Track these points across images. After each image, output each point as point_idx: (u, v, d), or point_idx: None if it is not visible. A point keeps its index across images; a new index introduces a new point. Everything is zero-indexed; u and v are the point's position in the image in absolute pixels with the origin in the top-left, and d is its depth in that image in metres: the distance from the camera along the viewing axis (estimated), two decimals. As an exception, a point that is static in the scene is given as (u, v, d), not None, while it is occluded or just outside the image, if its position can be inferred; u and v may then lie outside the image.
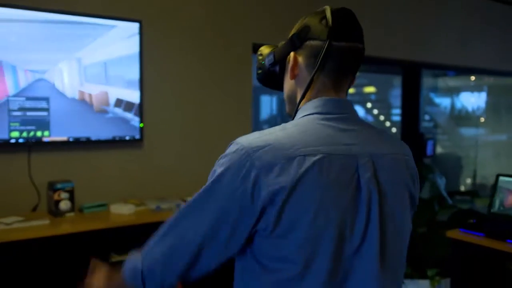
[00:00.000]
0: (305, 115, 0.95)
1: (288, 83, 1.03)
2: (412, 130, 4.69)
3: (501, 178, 2.54)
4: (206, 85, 3.22)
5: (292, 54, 0.99)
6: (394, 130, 5.26)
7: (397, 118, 5.21)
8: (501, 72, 5.23)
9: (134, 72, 2.85)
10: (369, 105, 5.86)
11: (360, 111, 6.18)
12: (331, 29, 0.93)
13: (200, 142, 3.21)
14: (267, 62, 1.07)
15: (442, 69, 5.04)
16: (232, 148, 0.89)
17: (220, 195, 0.86)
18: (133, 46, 2.82)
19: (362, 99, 5.95)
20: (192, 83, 3.16)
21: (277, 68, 1.05)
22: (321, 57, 0.93)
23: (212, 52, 3.22)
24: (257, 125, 4.51)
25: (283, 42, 1.03)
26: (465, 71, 5.25)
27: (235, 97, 3.36)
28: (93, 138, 2.75)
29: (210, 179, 0.88)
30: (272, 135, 0.89)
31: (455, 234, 2.51)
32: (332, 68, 0.95)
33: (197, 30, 3.14)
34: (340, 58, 0.95)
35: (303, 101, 0.98)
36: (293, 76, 1.00)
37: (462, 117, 6.10)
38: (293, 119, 0.99)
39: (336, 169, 0.87)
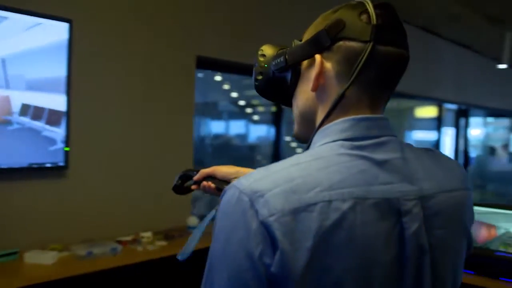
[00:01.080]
0: (326, 143, 0.71)
1: (305, 96, 0.78)
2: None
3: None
4: (144, 100, 2.74)
5: (318, 57, 0.73)
6: (299, 151, 5.12)
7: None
8: (425, 97, 5.42)
9: (41, 71, 2.23)
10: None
11: (271, 131, 5.96)
12: (376, 28, 0.70)
13: (138, 166, 2.70)
14: (273, 66, 0.83)
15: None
16: (229, 195, 0.66)
17: (228, 270, 0.63)
18: (38, 38, 2.20)
19: (271, 118, 5.78)
20: (127, 99, 2.66)
21: (289, 75, 0.80)
22: (361, 64, 0.70)
23: (151, 64, 2.76)
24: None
25: (297, 41, 0.79)
26: (395, 95, 5.35)
27: (176, 114, 2.92)
28: (3, 165, 2.12)
29: (213, 247, 0.67)
30: (282, 173, 0.65)
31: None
32: (371, 79, 0.72)
33: (134, 38, 2.66)
34: (384, 68, 0.72)
35: (326, 121, 0.74)
36: (316, 87, 0.75)
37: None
38: (308, 146, 0.76)
39: (372, 220, 0.65)
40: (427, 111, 7.08)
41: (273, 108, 6.09)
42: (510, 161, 8.27)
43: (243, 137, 5.94)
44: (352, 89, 0.72)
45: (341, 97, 0.72)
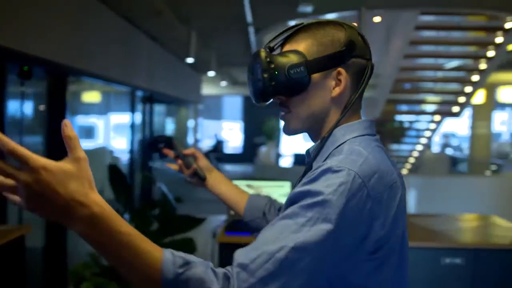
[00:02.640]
0: (358, 136, 0.94)
1: (322, 100, 0.95)
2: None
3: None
4: None
5: (343, 71, 0.93)
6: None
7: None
8: (123, 82, 5.65)
9: None
10: None
11: None
12: (369, 48, 0.96)
13: None
14: (292, 73, 0.92)
15: (87, 76, 4.94)
16: (344, 174, 0.82)
17: (343, 231, 0.80)
18: None
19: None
20: None
21: (303, 82, 0.93)
22: (366, 77, 0.94)
23: None
24: None
25: (303, 53, 0.93)
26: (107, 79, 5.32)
27: None
28: None
29: (326, 210, 0.79)
30: (369, 161, 0.86)
31: (226, 239, 2.72)
32: (364, 88, 0.97)
33: None
34: (369, 78, 0.96)
35: (342, 120, 0.95)
36: (338, 94, 0.94)
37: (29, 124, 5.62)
38: (325, 140, 0.95)
39: (403, 192, 0.92)
40: (92, 96, 7.04)
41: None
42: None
43: None
44: (354, 95, 0.95)
45: (354, 101, 0.94)
